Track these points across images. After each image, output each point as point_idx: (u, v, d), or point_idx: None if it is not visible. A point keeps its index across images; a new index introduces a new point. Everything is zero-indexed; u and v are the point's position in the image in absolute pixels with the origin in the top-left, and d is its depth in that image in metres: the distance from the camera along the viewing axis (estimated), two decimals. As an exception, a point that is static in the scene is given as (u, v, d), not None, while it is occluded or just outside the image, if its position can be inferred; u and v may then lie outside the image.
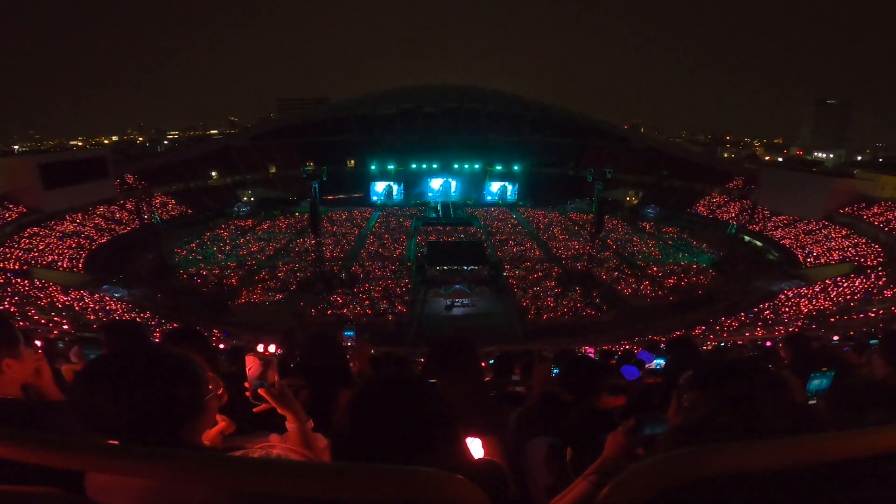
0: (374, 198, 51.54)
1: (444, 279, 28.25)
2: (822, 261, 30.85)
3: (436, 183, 53.33)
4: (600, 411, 2.62)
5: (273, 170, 53.22)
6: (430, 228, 40.90)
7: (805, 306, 23.78)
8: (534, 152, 55.91)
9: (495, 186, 53.18)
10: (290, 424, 1.55)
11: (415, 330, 22.78)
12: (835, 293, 24.82)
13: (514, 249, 35.14)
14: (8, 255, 26.46)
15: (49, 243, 30.04)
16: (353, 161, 54.81)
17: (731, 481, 0.78)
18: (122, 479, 0.90)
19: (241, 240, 37.23)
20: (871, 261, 28.25)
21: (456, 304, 25.51)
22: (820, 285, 26.56)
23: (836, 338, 11.21)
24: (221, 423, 1.78)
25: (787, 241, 35.29)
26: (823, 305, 23.33)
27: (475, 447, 1.58)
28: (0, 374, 1.46)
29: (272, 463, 0.80)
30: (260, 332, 19.24)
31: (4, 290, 21.51)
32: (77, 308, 21.72)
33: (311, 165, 46.70)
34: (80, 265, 28.89)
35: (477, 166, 54.14)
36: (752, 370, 1.24)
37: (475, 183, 53.08)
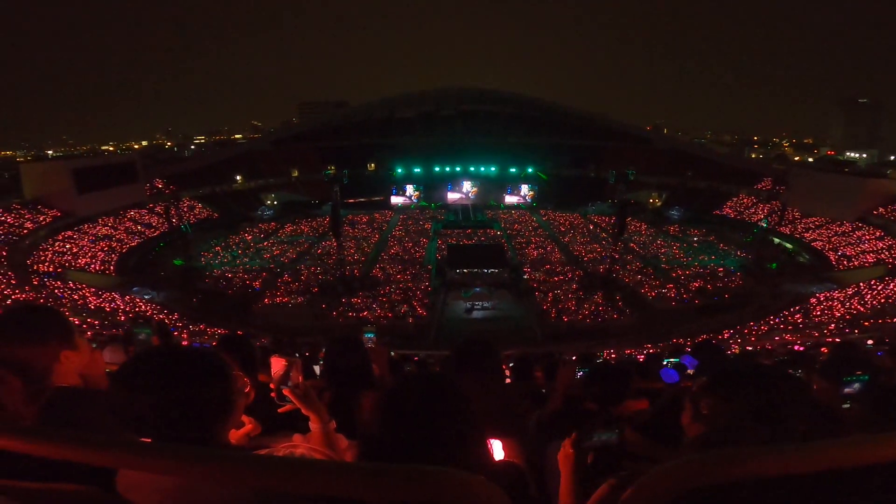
0: (394, 201, 51.82)
1: (465, 282, 28.23)
2: (856, 263, 29.85)
3: (456, 185, 53.36)
4: (622, 416, 2.59)
5: (295, 173, 54.03)
6: (450, 231, 40.94)
7: (838, 310, 23.04)
8: (554, 154, 55.57)
9: (515, 189, 52.94)
10: (314, 425, 1.57)
11: (434, 333, 22.81)
12: (869, 296, 23.98)
13: (535, 252, 34.91)
14: (43, 258, 27.42)
15: (82, 246, 31.03)
16: (373, 164, 55.30)
17: (752, 485, 0.77)
18: (152, 476, 0.93)
19: (265, 243, 37.90)
20: (907, 263, 27.24)
21: (476, 306, 25.44)
22: (853, 288, 25.69)
23: (870, 342, 10.83)
24: (248, 425, 1.82)
25: (818, 244, 34.28)
26: (857, 309, 22.56)
27: (496, 449, 1.58)
28: (59, 364, 1.51)
29: (297, 462, 0.81)
30: (282, 334, 19.51)
31: (39, 291, 22.30)
32: (108, 309, 22.37)
33: (332, 169, 47.32)
34: (112, 268, 29.76)
35: (496, 169, 54.04)
36: (772, 374, 1.22)
37: (495, 186, 52.98)
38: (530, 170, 53.54)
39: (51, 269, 26.20)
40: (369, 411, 1.02)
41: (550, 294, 26.54)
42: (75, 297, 23.15)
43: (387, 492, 0.64)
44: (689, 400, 1.33)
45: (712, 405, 1.23)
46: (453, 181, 53.38)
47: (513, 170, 53.74)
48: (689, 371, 3.85)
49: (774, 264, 30.97)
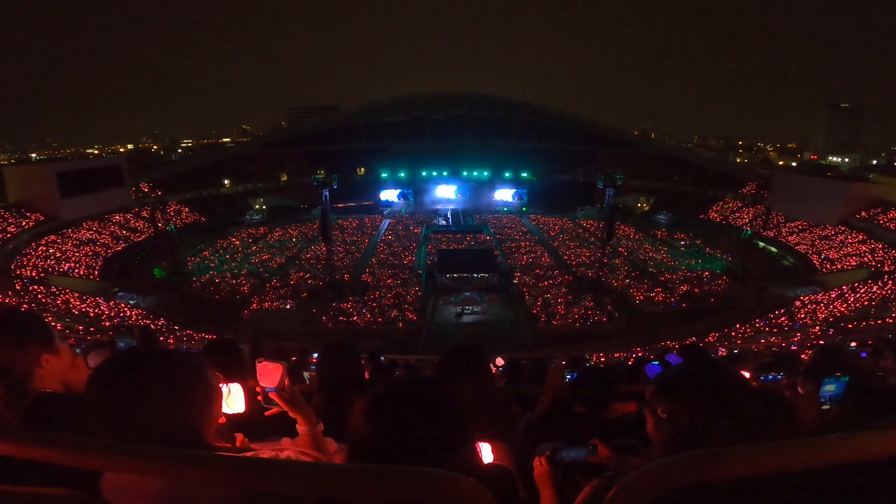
0: (384, 205, 51.70)
1: (455, 287, 28.23)
2: (839, 266, 30.37)
3: (445, 190, 53.39)
4: (609, 419, 2.61)
5: (284, 178, 53.77)
6: (440, 236, 40.93)
7: (821, 312, 23.40)
8: (543, 159, 55.83)
9: (505, 193, 53.10)
10: (301, 427, 1.57)
11: (424, 337, 22.77)
12: (852, 299, 24.39)
13: (525, 257, 35.04)
14: (25, 263, 26.94)
15: (65, 251, 30.53)
16: (363, 169, 55.11)
17: (734, 484, 0.78)
18: (138, 479, 0.92)
19: (254, 247, 37.58)
20: (889, 266, 27.75)
21: (466, 311, 25.45)
22: (836, 291, 26.12)
23: (853, 344, 11.00)
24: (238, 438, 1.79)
25: (802, 247, 34.81)
26: (840, 311, 22.94)
27: (485, 452, 1.59)
28: (39, 368, 1.49)
29: (284, 463, 0.81)
30: (272, 340, 19.36)
31: (22, 296, 21.90)
32: (92, 314, 22.03)
33: (321, 173, 46.96)
34: (96, 273, 29.31)
35: (486, 173, 54.18)
36: (711, 369, 1.29)
37: (485, 190, 53.07)
38: (525, 174, 53.79)
39: (34, 274, 25.75)
40: (359, 414, 1.02)
41: (540, 298, 26.63)
42: (58, 301, 22.78)
43: (375, 493, 0.64)
44: (646, 409, 1.37)
45: (667, 408, 1.27)
46: (444, 185, 53.44)
47: (502, 174, 53.88)
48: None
49: (749, 265, 31.58)
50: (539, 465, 1.62)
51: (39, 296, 22.90)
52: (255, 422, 1.82)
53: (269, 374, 1.57)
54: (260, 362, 1.60)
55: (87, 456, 0.74)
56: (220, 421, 1.60)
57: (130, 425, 0.97)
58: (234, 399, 1.63)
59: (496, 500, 0.69)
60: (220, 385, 1.57)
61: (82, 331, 17.48)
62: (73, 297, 23.91)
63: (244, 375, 2.44)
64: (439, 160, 54.71)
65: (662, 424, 1.29)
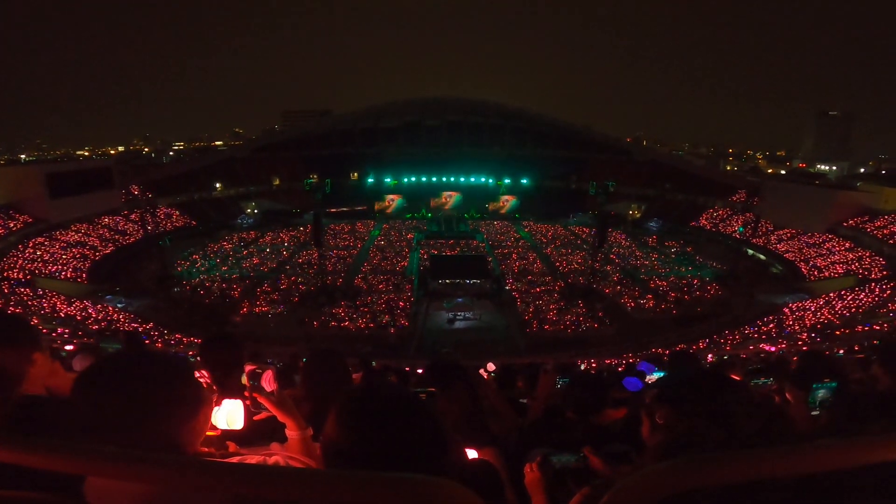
0: (377, 210, 51.65)
1: (447, 292, 28.21)
2: (826, 274, 30.70)
3: (439, 196, 53.44)
4: (601, 425, 2.62)
5: (277, 182, 53.49)
6: (433, 242, 40.94)
7: (809, 319, 23.63)
8: (537, 166, 56.05)
9: (498, 200, 53.26)
10: (291, 432, 1.55)
11: (416, 343, 22.72)
12: (839, 306, 24.67)
13: (517, 263, 35.12)
14: (12, 265, 26.56)
15: (53, 253, 30.13)
16: (356, 174, 55.03)
17: (728, 491, 0.78)
18: (122, 484, 0.90)
19: (245, 251, 37.34)
20: (876, 273, 28.10)
21: (458, 317, 25.42)
22: (824, 298, 26.41)
23: (841, 351, 11.13)
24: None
25: (790, 255, 35.16)
26: (828, 318, 23.18)
27: (470, 456, 1.58)
28: (31, 365, 1.48)
29: (273, 469, 0.81)
30: (262, 344, 19.20)
31: (8, 299, 21.58)
32: (79, 318, 21.74)
33: (314, 178, 46.89)
34: (84, 275, 28.95)
35: (480, 179, 54.34)
36: (715, 380, 1.28)
37: (478, 196, 53.21)
38: (518, 181, 54.06)
39: (20, 277, 25.38)
40: (331, 420, 0.99)
41: (532, 304, 26.68)
42: (44, 304, 22.46)
43: (358, 498, 0.64)
44: (644, 413, 1.37)
45: (666, 415, 1.27)
46: (437, 191, 53.50)
47: (496, 180, 54.07)
48: (648, 377, 3.93)
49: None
50: (530, 471, 1.62)
51: (25, 298, 22.58)
52: (244, 427, 1.80)
53: (265, 378, 1.57)
54: (253, 368, 1.59)
55: (71, 460, 0.73)
56: (215, 433, 1.58)
57: (115, 429, 0.95)
58: (233, 417, 1.61)
59: (479, 498, 0.69)
60: (223, 401, 1.55)
61: (68, 334, 17.22)
62: (60, 301, 23.59)
63: (242, 372, 2.40)
64: (433, 166, 54.75)
65: (658, 430, 1.29)
